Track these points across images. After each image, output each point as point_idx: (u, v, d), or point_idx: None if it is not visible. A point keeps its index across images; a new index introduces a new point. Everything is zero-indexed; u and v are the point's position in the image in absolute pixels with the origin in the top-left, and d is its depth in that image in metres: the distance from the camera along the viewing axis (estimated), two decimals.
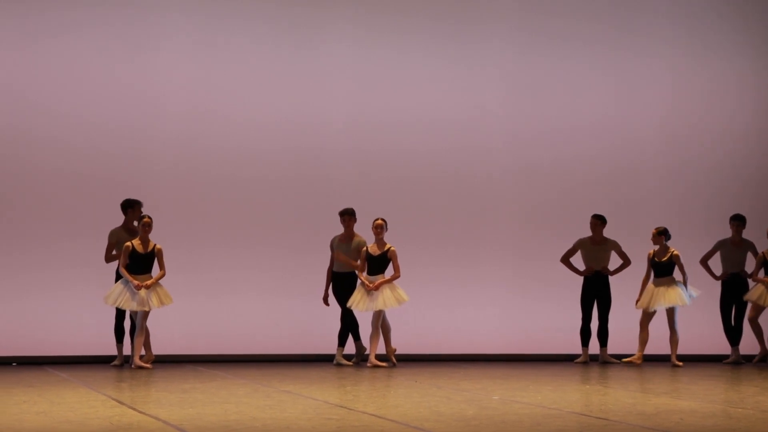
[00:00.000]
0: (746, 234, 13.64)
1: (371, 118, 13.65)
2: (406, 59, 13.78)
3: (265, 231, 13.32)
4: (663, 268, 12.93)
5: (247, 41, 13.37)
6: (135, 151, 13.00)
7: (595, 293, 13.13)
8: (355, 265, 12.38)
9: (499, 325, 13.79)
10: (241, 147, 13.29)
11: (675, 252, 12.87)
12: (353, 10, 13.68)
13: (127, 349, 12.11)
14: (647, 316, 13.00)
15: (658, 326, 13.26)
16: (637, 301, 13.04)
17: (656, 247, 12.99)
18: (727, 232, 13.67)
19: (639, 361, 12.93)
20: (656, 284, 12.96)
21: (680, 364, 12.84)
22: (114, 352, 12.19)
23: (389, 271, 12.36)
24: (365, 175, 13.60)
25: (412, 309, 12.74)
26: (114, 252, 12.15)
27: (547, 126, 14.11)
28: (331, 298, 12.69)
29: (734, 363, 13.44)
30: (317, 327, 13.17)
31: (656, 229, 12.99)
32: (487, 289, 13.81)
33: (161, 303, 11.81)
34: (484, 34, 13.96)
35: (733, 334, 13.56)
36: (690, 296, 12.89)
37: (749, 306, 13.45)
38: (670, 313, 12.90)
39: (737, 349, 13.55)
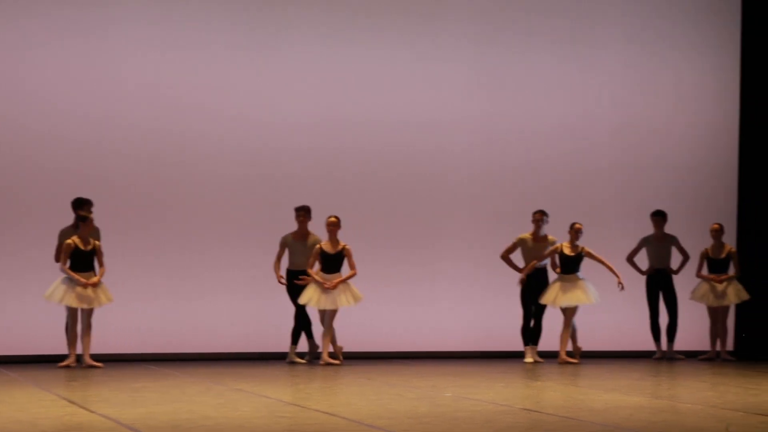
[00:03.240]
0: (703, 236, 13.81)
1: (331, 116, 13.61)
2: (369, 57, 13.74)
3: (216, 230, 13.27)
4: (573, 264, 12.81)
5: (212, 40, 13.28)
6: (94, 147, 12.88)
7: (536, 291, 13.02)
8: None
9: (450, 323, 13.83)
10: (198, 145, 13.21)
11: (585, 248, 12.75)
12: (314, 9, 13.64)
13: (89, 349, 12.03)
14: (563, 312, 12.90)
15: (614, 323, 13.41)
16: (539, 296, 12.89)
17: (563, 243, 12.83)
18: (681, 232, 13.85)
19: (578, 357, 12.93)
20: (562, 281, 12.77)
21: (575, 360, 12.73)
22: (65, 351, 12.12)
23: (343, 270, 12.39)
24: (324, 174, 13.58)
25: (365, 307, 12.74)
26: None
27: (510, 125, 14.11)
28: (286, 296, 12.66)
29: (660, 359, 13.61)
30: (270, 325, 13.16)
31: (579, 224, 12.83)
32: (439, 288, 13.85)
33: (102, 302, 11.78)
34: (445, 31, 13.97)
35: (658, 330, 13.73)
36: (597, 296, 12.73)
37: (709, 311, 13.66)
38: (573, 309, 12.75)
39: (660, 345, 13.73)
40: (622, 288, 12.74)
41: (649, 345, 13.87)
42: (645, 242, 13.85)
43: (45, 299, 11.80)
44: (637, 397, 9.07)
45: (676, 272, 13.75)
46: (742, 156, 14.71)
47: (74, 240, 11.77)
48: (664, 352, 13.74)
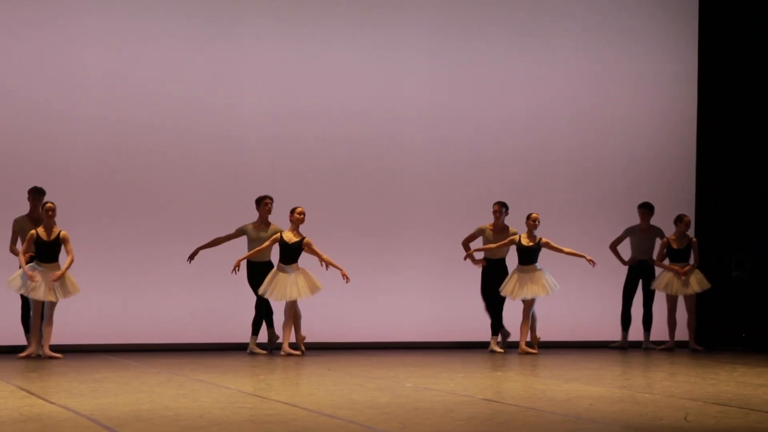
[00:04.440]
0: (662, 225, 13.88)
1: (292, 108, 13.57)
2: (329, 49, 13.70)
3: (176, 220, 13.22)
4: (531, 255, 12.83)
5: (170, 30, 13.21)
6: (51, 138, 12.80)
7: (496, 282, 13.01)
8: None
9: (411, 314, 13.84)
10: (155, 137, 13.14)
11: (544, 239, 12.83)
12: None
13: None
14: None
15: (581, 312, 13.49)
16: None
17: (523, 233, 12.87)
18: (638, 222, 13.94)
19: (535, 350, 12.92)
20: (520, 272, 12.79)
21: (534, 351, 12.73)
22: (24, 342, 12.04)
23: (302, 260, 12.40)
24: (281, 165, 13.55)
25: (326, 298, 12.73)
26: (18, 241, 12.02)
27: (470, 117, 14.13)
28: (247, 287, 12.62)
29: (621, 348, 13.70)
30: (230, 315, 13.14)
31: (536, 214, 12.85)
32: (400, 279, 13.86)
33: (69, 293, 11.69)
34: (405, 23, 13.97)
35: (629, 320, 13.79)
36: (555, 286, 12.76)
37: (668, 299, 13.74)
38: (531, 301, 12.77)
39: (627, 335, 13.81)
40: (594, 264, 12.76)
41: (609, 335, 13.95)
42: (629, 232, 13.89)
43: (8, 285, 11.72)
44: (597, 387, 9.13)
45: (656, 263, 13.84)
46: (700, 146, 14.81)
47: (37, 230, 11.68)
48: (628, 342, 13.79)
